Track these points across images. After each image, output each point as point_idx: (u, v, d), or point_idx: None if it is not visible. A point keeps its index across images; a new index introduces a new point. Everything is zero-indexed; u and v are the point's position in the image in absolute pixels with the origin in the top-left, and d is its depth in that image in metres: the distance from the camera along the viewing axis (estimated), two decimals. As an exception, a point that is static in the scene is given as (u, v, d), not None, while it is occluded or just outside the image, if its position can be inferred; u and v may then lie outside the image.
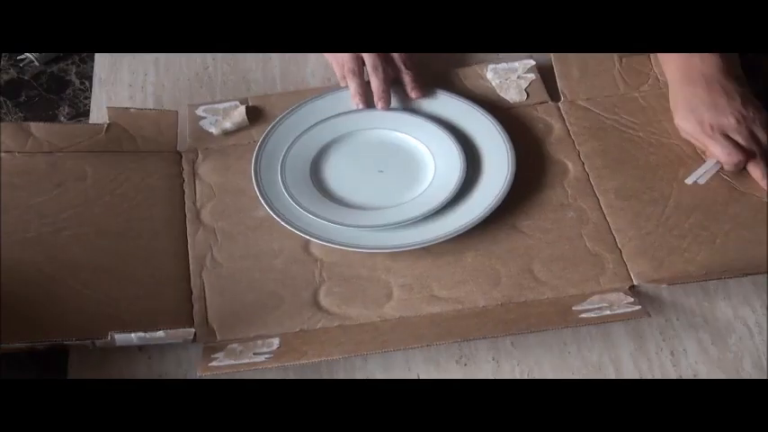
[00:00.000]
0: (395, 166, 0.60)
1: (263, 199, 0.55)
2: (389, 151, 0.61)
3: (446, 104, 0.62)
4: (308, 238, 0.53)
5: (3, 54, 0.67)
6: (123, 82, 0.65)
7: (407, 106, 0.62)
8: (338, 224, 0.54)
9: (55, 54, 0.67)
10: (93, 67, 0.66)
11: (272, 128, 0.59)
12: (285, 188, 0.56)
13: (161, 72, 0.66)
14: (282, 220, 0.54)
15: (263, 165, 0.58)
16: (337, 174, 0.59)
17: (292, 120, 0.61)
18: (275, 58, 0.66)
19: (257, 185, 0.56)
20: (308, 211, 0.54)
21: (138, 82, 0.65)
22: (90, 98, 0.64)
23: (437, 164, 0.58)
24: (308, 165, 0.59)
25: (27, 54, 0.66)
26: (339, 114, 0.61)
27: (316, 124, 0.60)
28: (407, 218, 0.54)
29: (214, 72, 0.66)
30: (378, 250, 0.53)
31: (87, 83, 0.66)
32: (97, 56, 0.67)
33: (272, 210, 0.54)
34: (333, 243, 0.53)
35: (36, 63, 0.66)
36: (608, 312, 0.47)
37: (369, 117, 0.61)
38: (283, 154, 0.58)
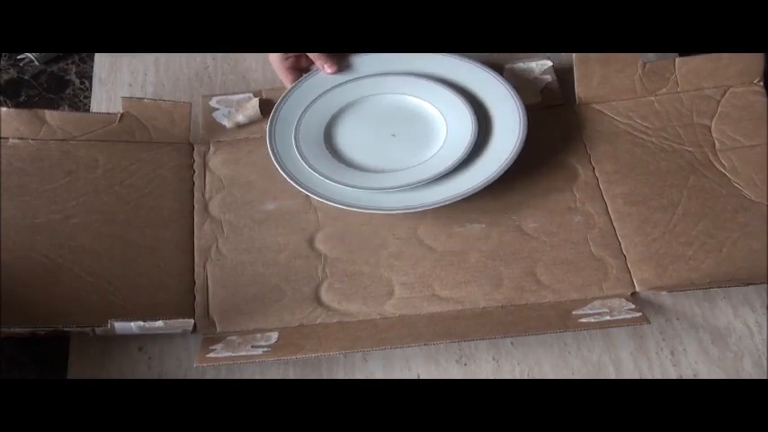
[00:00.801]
0: (408, 130, 0.64)
1: (277, 162, 0.61)
2: (403, 115, 0.65)
3: (458, 68, 0.67)
4: (312, 195, 0.59)
5: (3, 54, 0.67)
6: (123, 82, 0.67)
7: (419, 70, 0.67)
8: (347, 185, 0.59)
9: (55, 54, 0.68)
10: (93, 67, 0.69)
11: (286, 94, 0.66)
12: (298, 151, 0.61)
13: (161, 72, 0.67)
14: (290, 178, 0.60)
15: (277, 130, 0.63)
16: (350, 138, 0.64)
17: (307, 85, 0.66)
18: (275, 58, 0.67)
19: (272, 150, 0.61)
20: (316, 171, 0.60)
21: (138, 82, 0.66)
22: (90, 98, 0.65)
23: (449, 128, 0.63)
24: (321, 130, 0.64)
25: (27, 54, 0.68)
26: (353, 79, 0.67)
27: (330, 89, 0.66)
28: (415, 180, 0.59)
29: (214, 72, 0.67)
30: (379, 211, 0.58)
31: (87, 83, 0.67)
32: (97, 56, 0.69)
33: (284, 171, 0.60)
34: (343, 204, 0.58)
35: (36, 63, 0.68)
36: (608, 318, 0.50)
37: (383, 82, 0.67)
38: (297, 119, 0.64)
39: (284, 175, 0.60)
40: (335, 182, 0.59)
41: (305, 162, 0.60)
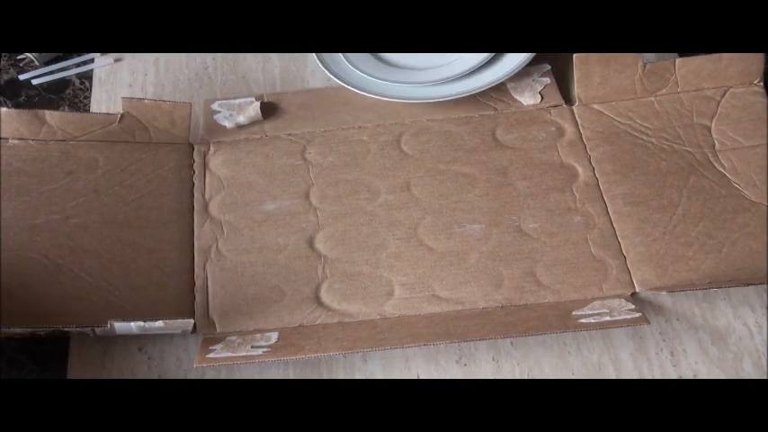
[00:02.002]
0: None
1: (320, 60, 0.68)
2: None
3: None
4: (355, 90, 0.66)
5: (3, 54, 0.67)
6: (123, 82, 0.67)
7: None
8: (384, 79, 0.66)
9: (55, 54, 0.67)
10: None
11: None
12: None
13: (161, 72, 0.67)
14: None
15: None
16: None
17: None
18: (275, 58, 0.68)
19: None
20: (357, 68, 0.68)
21: (138, 82, 0.66)
22: (90, 98, 0.65)
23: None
24: None
25: (27, 54, 0.67)
26: None
27: None
28: (454, 73, 0.66)
29: (214, 72, 0.67)
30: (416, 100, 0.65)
31: (87, 83, 0.66)
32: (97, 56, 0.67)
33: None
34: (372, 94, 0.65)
35: (36, 63, 0.67)
36: (608, 318, 0.49)
37: None
38: None
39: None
40: (372, 76, 0.66)
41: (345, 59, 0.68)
